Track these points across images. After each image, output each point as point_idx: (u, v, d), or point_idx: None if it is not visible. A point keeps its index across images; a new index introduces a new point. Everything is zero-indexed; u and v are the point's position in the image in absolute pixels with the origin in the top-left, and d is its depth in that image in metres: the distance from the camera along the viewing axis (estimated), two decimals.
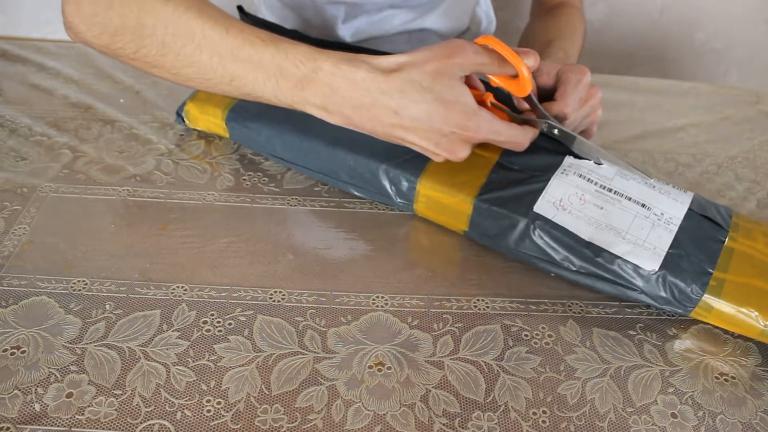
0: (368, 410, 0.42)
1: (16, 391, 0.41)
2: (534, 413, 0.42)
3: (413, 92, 0.46)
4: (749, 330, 0.46)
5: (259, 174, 0.59)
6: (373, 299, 0.49)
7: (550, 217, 0.49)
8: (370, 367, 0.44)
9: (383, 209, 0.56)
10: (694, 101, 0.76)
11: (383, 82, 0.46)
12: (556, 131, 0.52)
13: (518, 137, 0.49)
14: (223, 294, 0.48)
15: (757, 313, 0.45)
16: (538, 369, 0.45)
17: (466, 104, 0.46)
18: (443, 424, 0.41)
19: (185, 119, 0.63)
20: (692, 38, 1.33)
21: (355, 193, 0.57)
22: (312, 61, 0.47)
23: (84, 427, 0.39)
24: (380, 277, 0.50)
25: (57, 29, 1.34)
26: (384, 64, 0.46)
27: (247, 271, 0.50)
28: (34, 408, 0.40)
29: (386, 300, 0.49)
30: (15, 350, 0.43)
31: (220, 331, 0.46)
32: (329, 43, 0.58)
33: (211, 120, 0.61)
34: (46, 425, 0.39)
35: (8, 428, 0.39)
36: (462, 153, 0.48)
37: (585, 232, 0.48)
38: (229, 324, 0.46)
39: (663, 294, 0.47)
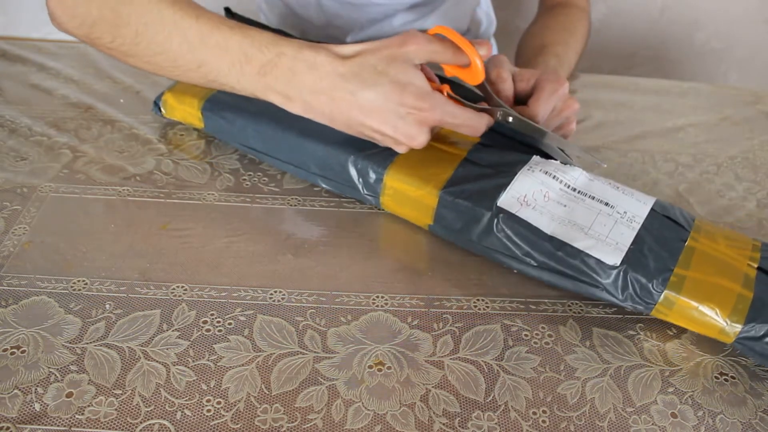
0: (368, 410, 0.42)
1: (16, 391, 0.41)
2: (534, 413, 0.42)
3: (369, 75, 0.48)
4: (709, 328, 0.45)
5: (259, 174, 0.59)
6: (373, 299, 0.49)
7: (513, 212, 0.49)
8: (370, 366, 0.44)
9: (382, 209, 0.56)
10: (694, 101, 0.76)
11: (341, 65, 0.48)
12: (510, 119, 0.52)
13: (473, 120, 0.50)
14: (223, 294, 0.48)
15: (717, 310, 0.45)
16: (538, 369, 0.45)
17: (419, 86, 0.48)
18: (443, 424, 0.41)
19: (162, 109, 0.63)
20: (692, 38, 1.33)
21: (323, 185, 0.57)
22: (276, 46, 0.49)
23: (84, 427, 0.39)
24: (380, 277, 0.51)
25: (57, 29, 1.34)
26: (343, 50, 0.49)
27: (247, 271, 0.50)
28: (34, 408, 0.40)
29: (386, 300, 0.49)
30: (15, 350, 0.43)
31: (220, 330, 0.46)
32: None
33: (187, 110, 0.61)
34: (46, 425, 0.39)
35: (8, 428, 0.39)
36: (420, 137, 0.49)
37: (548, 227, 0.48)
38: (229, 324, 0.46)
39: (624, 290, 0.47)
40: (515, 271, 0.51)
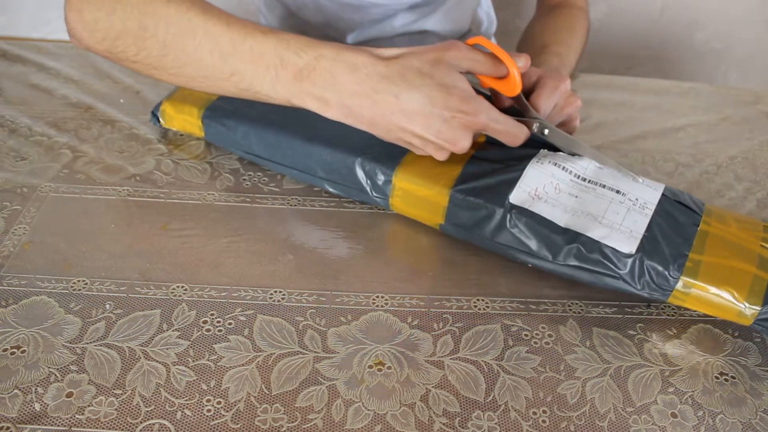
0: (368, 410, 0.42)
1: (16, 391, 0.41)
2: (534, 413, 0.42)
3: (413, 77, 0.47)
4: (727, 312, 0.46)
5: (259, 174, 0.59)
6: (373, 299, 0.49)
7: (526, 207, 0.49)
8: (370, 366, 0.44)
9: (383, 209, 0.56)
10: (694, 101, 0.76)
11: (384, 66, 0.47)
12: (546, 131, 0.52)
13: (516, 128, 0.50)
14: (223, 294, 0.48)
15: (734, 293, 0.45)
16: (538, 369, 0.45)
17: (464, 89, 0.47)
18: (443, 424, 0.41)
19: (161, 119, 0.63)
20: (692, 38, 1.33)
21: (330, 189, 0.57)
22: (314, 48, 0.48)
23: (84, 427, 0.39)
24: (380, 277, 0.51)
25: (57, 29, 1.34)
26: (385, 52, 0.48)
27: (247, 271, 0.50)
28: (34, 407, 0.40)
29: (386, 300, 0.49)
30: (15, 350, 0.43)
31: (220, 330, 0.46)
32: None
33: (186, 119, 0.61)
34: (46, 425, 0.39)
35: (8, 428, 0.39)
36: (463, 141, 0.48)
37: (561, 219, 0.48)
38: (229, 324, 0.46)
39: (640, 278, 0.47)
40: (530, 266, 0.50)
